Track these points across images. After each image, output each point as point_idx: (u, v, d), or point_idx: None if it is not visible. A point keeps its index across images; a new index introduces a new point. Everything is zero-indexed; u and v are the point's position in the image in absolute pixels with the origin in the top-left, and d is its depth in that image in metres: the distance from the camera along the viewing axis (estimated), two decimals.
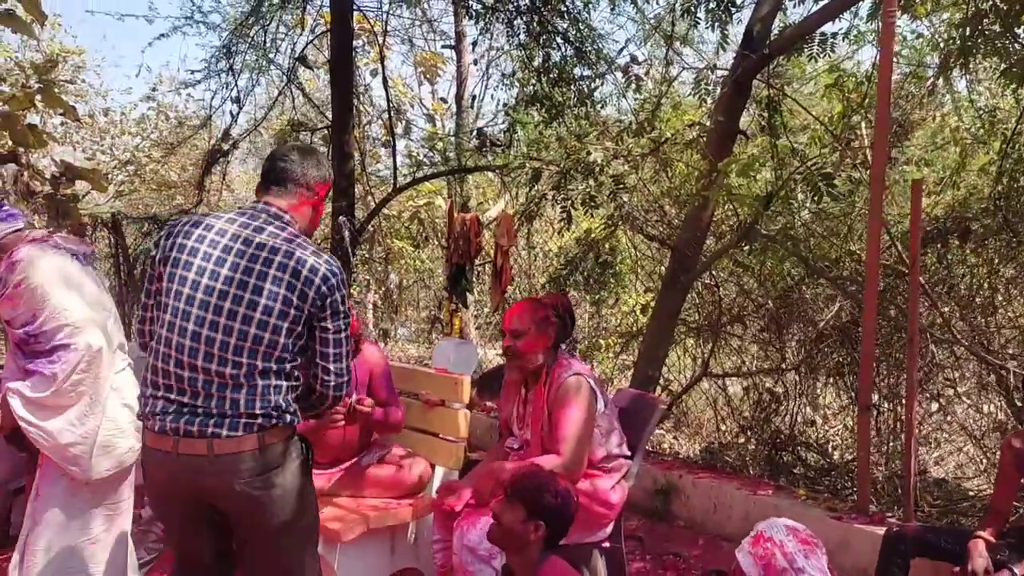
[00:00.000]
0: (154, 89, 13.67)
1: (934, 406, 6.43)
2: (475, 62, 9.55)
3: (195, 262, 2.31)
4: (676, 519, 4.78)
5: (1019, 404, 5.88)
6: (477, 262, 6.68)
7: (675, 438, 7.23)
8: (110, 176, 11.66)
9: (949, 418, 6.39)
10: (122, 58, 35.60)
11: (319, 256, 2.37)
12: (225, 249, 2.32)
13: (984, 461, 6.40)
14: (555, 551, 2.66)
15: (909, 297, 3.91)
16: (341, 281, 2.40)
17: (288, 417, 2.35)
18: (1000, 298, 6.07)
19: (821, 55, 5.52)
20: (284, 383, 2.33)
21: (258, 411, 2.27)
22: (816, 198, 4.42)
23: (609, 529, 3.32)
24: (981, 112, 6.00)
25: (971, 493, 5.90)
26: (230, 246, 2.33)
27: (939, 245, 5.61)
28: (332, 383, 2.43)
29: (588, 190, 5.11)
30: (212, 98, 6.74)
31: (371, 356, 3.83)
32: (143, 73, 28.95)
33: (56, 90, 5.59)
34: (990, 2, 4.43)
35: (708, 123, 5.13)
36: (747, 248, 5.09)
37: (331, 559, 3.45)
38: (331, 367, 2.42)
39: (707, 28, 5.23)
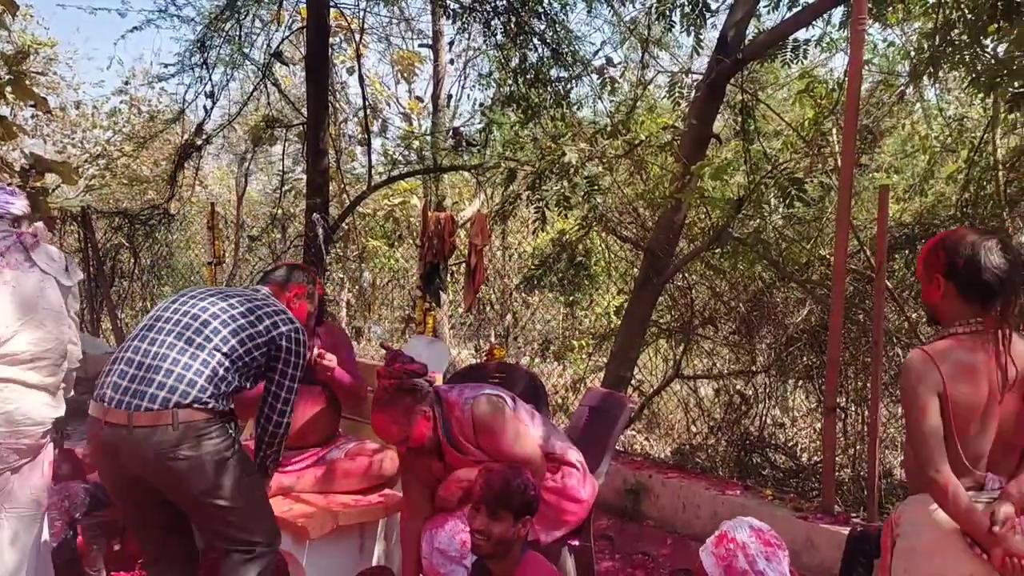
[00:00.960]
0: (126, 83, 13.54)
1: (899, 410, 6.52)
2: (451, 61, 9.55)
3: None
4: (646, 518, 4.81)
5: None
6: (451, 261, 6.68)
7: (647, 439, 7.27)
8: (80, 170, 11.54)
9: None
10: (95, 51, 35.06)
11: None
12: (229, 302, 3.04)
13: None
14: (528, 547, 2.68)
15: (874, 301, 3.96)
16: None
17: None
18: None
19: (794, 61, 5.60)
20: None
21: None
22: (787, 203, 4.49)
23: (578, 527, 3.33)
24: (950, 121, 6.10)
25: None
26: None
27: (907, 251, 5.69)
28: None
29: (562, 191, 5.13)
30: (185, 92, 6.68)
31: (332, 335, 3.87)
32: (115, 66, 28.75)
33: (27, 82, 5.53)
34: (959, 13, 4.50)
35: (682, 126, 5.18)
36: (719, 251, 5.13)
37: (300, 556, 3.43)
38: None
39: (682, 32, 5.27)
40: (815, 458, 6.63)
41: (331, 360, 3.63)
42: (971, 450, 2.24)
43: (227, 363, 2.80)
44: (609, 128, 5.17)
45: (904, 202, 6.81)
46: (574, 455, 3.28)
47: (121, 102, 13.66)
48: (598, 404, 3.63)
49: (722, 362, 7.38)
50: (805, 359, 6.60)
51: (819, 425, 6.95)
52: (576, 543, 3.37)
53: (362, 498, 3.66)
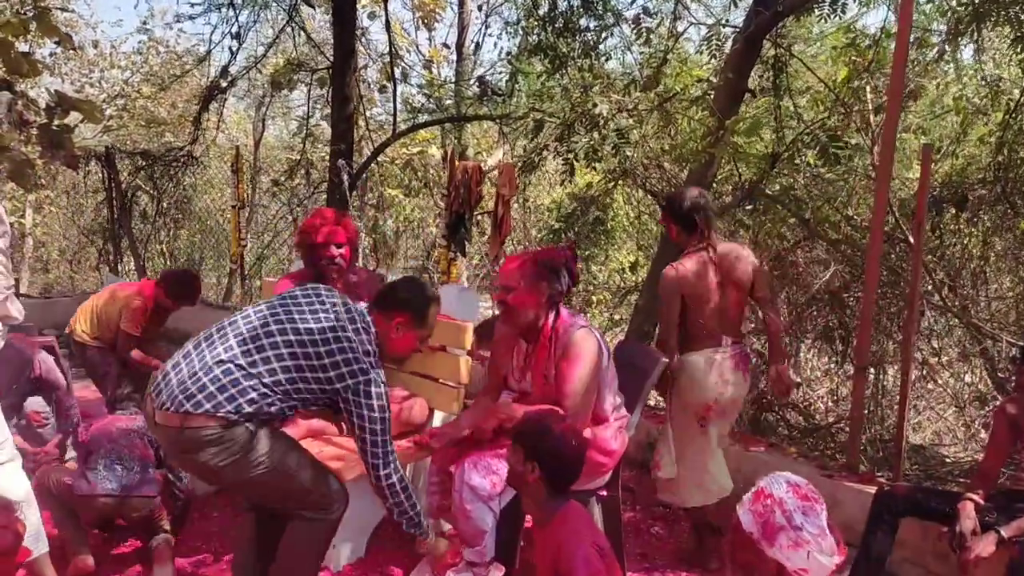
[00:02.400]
0: (145, 23, 13.40)
1: (915, 373, 6.52)
2: (480, 7, 9.37)
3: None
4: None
5: (1001, 375, 5.99)
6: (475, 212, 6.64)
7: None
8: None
9: (930, 386, 6.48)
10: None
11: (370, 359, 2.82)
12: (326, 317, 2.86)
13: (962, 430, 6.52)
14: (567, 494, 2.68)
15: (912, 262, 3.93)
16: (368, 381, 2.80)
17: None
18: (989, 270, 6.12)
19: (831, 16, 5.47)
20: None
21: None
22: (823, 160, 4.43)
23: (607, 477, 3.36)
24: (986, 81, 5.97)
25: (947, 460, 6.01)
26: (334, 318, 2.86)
27: (934, 214, 5.62)
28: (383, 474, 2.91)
29: (592, 142, 5.07)
30: (212, 33, 6.61)
31: (372, 286, 3.95)
32: (133, 5, 28.29)
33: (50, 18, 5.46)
34: None
35: (716, 80, 5.09)
36: (750, 208, 5.08)
37: None
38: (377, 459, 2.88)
39: None
40: (829, 418, 6.65)
41: None
42: (708, 324, 3.65)
43: (264, 390, 2.72)
44: (642, 80, 5.08)
45: (933, 163, 6.69)
46: (611, 409, 3.30)
47: (139, 42, 13.52)
48: (630, 358, 3.63)
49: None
50: (824, 320, 6.58)
51: (835, 385, 6.97)
52: (604, 493, 3.40)
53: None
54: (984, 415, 6.37)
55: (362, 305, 2.96)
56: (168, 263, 9.69)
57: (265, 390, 2.68)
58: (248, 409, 2.65)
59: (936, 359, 6.32)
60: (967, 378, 6.62)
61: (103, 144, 8.81)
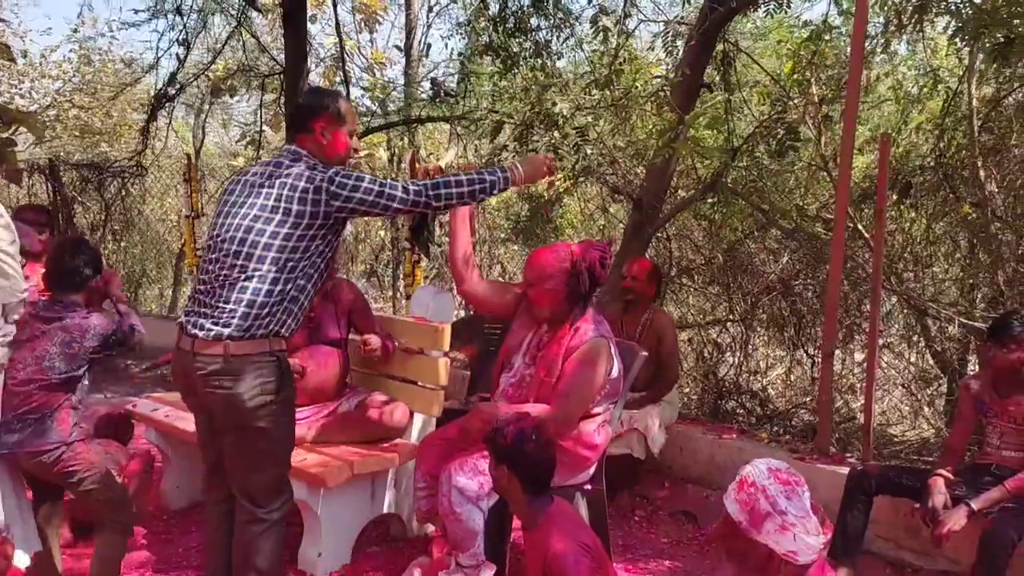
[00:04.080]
0: (75, 30, 12.99)
1: (859, 356, 6.72)
2: (430, 8, 9.35)
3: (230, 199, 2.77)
4: (643, 462, 4.90)
5: (943, 351, 6.21)
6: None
7: None
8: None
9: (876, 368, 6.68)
10: None
11: (315, 168, 2.69)
12: (258, 184, 2.73)
13: (907, 408, 6.75)
14: (549, 493, 2.70)
15: (873, 249, 4.06)
16: (336, 173, 2.67)
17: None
18: (934, 254, 6.34)
19: (778, 11, 5.61)
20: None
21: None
22: (778, 152, 4.55)
23: (591, 471, 3.40)
24: (929, 71, 6.18)
25: (896, 439, 6.21)
26: (265, 180, 2.73)
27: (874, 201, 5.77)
28: (405, 198, 2.71)
29: (552, 142, 5.12)
30: (159, 39, 6.47)
31: (346, 294, 3.95)
32: (66, 13, 27.37)
33: None
34: None
35: (672, 76, 5.18)
36: (710, 200, 5.18)
37: (314, 505, 3.47)
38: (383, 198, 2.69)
39: None
40: (782, 404, 6.83)
41: (375, 343, 3.74)
42: None
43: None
44: (599, 78, 5.14)
45: (869, 154, 6.89)
46: (601, 408, 3.34)
47: (71, 51, 13.13)
48: None
49: (697, 312, 7.51)
50: (776, 308, 6.75)
51: (787, 372, 7.16)
52: (588, 487, 3.44)
53: (374, 448, 3.69)
54: (929, 394, 6.61)
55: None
56: None
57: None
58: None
59: (882, 342, 6.51)
60: (912, 358, 6.86)
61: (36, 157, 8.58)
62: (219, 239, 2.67)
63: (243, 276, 2.59)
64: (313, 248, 2.69)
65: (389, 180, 2.74)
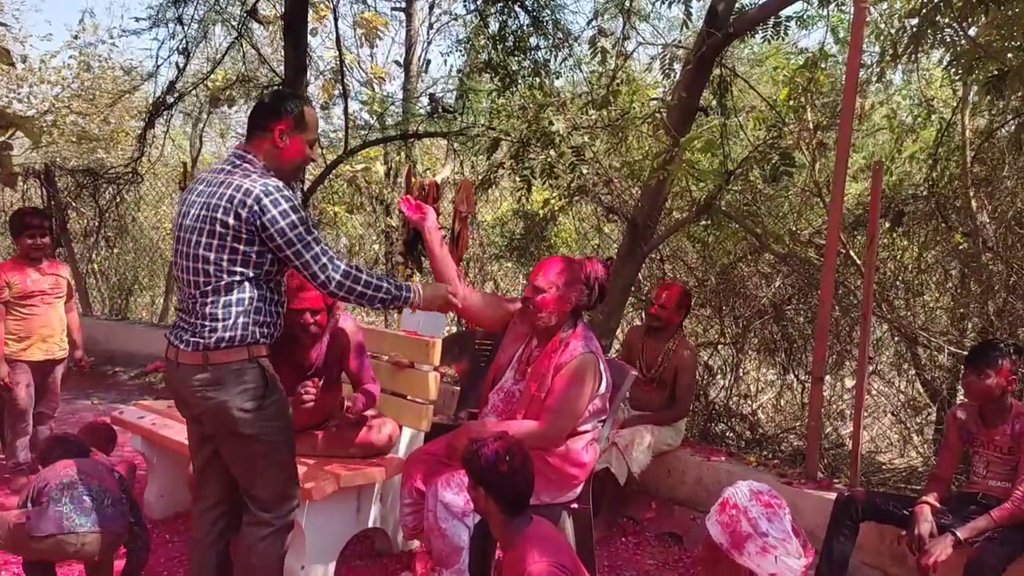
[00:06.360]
0: (76, 36, 13.03)
1: (849, 382, 6.73)
2: (431, 25, 9.40)
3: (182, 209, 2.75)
4: (630, 483, 4.89)
5: (932, 380, 6.22)
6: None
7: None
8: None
9: (866, 396, 6.69)
10: (43, 1, 33.41)
11: (257, 181, 2.61)
12: (199, 194, 2.71)
13: (896, 436, 6.75)
14: (528, 513, 2.67)
15: (864, 276, 4.08)
16: (279, 199, 2.59)
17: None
18: (924, 282, 6.37)
19: (775, 38, 5.66)
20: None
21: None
22: (773, 177, 4.58)
23: (579, 490, 3.39)
24: (920, 101, 6.24)
25: (884, 466, 6.21)
26: (203, 190, 2.70)
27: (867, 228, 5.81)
28: (328, 279, 2.67)
29: (548, 160, 5.14)
30: (159, 48, 6.48)
31: (346, 329, 3.80)
32: (66, 19, 27.42)
33: None
34: None
35: (669, 99, 5.22)
36: (704, 223, 5.20)
37: (299, 517, 3.44)
38: (313, 270, 2.65)
39: (669, 3, 5.29)
40: (773, 428, 6.82)
41: (355, 412, 3.65)
42: None
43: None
44: (596, 98, 5.18)
45: (863, 182, 6.95)
46: (590, 426, 3.33)
47: (71, 57, 13.15)
48: None
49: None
50: (767, 332, 6.76)
51: (777, 397, 7.16)
52: (575, 506, 3.43)
53: (360, 461, 3.68)
54: (918, 423, 6.62)
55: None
56: (99, 281, 9.43)
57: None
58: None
59: (872, 369, 6.53)
60: (901, 386, 6.88)
61: (32, 162, 8.57)
62: (176, 260, 2.76)
63: (200, 293, 2.65)
64: (258, 258, 2.65)
65: (310, 232, 2.66)
